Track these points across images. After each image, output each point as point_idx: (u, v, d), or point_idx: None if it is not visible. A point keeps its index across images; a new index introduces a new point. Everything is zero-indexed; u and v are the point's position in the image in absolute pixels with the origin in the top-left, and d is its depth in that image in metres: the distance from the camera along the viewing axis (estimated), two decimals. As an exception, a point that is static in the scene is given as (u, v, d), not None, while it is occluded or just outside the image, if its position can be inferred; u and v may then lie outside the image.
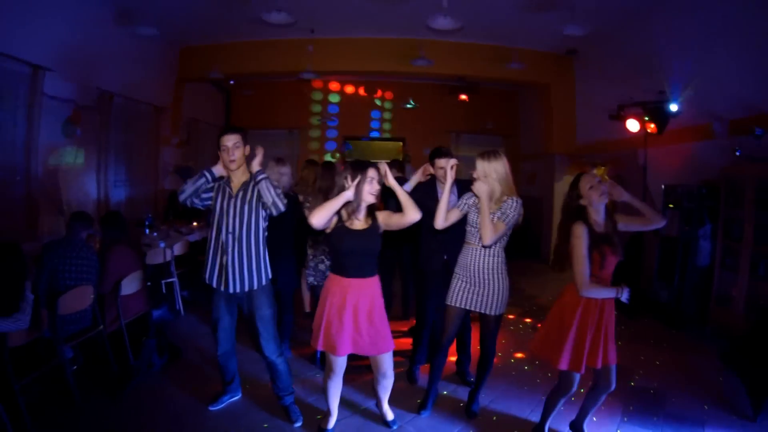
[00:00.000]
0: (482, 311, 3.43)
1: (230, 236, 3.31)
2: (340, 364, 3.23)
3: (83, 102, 6.70)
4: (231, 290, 3.35)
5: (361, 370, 4.20)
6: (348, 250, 3.10)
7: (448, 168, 3.39)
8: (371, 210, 3.18)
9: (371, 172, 3.07)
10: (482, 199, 3.20)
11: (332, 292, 3.12)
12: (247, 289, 3.38)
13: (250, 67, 9.46)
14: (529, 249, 10.62)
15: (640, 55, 7.23)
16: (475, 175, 3.32)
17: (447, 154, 3.98)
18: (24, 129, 5.73)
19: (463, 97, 10.83)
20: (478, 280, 3.40)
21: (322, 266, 4.62)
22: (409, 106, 12.07)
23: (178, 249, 6.18)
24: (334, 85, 12.22)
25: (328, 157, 12.33)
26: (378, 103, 12.50)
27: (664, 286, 6.37)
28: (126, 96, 7.81)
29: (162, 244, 5.94)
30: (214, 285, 3.39)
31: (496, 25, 8.06)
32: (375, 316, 3.13)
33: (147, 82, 8.54)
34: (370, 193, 3.07)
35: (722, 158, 5.73)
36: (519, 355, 5.01)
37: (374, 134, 12.73)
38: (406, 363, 4.46)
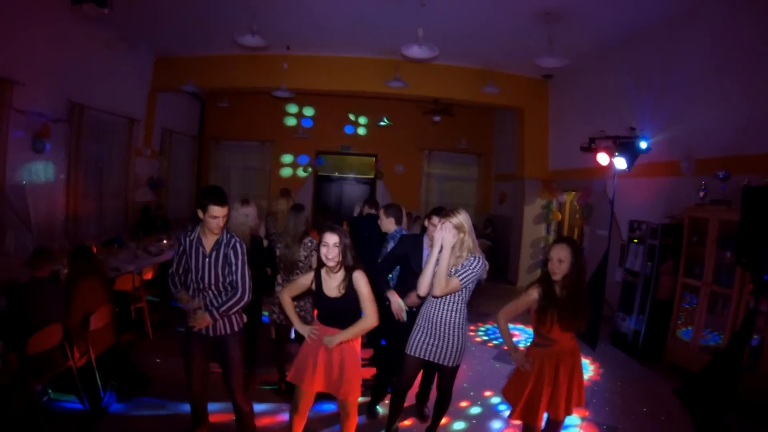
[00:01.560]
0: (440, 362, 3.42)
1: (206, 291, 3.35)
2: (306, 399, 3.27)
3: (54, 115, 6.56)
4: (204, 333, 3.37)
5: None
6: (325, 312, 3.23)
7: (439, 227, 3.26)
8: (350, 271, 3.14)
9: (327, 236, 3.08)
10: (446, 248, 3.15)
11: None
12: (220, 334, 3.40)
13: (224, 81, 9.39)
14: (496, 270, 10.69)
15: (614, 89, 7.41)
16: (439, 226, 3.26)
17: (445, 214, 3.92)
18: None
19: (437, 119, 10.87)
20: (437, 332, 3.37)
21: None
22: (382, 123, 12.08)
23: (146, 273, 6.08)
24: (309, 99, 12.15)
25: (300, 172, 12.25)
26: (352, 118, 12.44)
27: (625, 318, 6.47)
28: (98, 108, 7.65)
29: (131, 268, 5.82)
30: (195, 330, 3.38)
31: (472, 48, 8.15)
32: (347, 364, 3.17)
33: (120, 94, 8.39)
34: (326, 256, 3.08)
35: (688, 196, 5.86)
36: (488, 393, 4.98)
37: (347, 149, 12.68)
38: (368, 392, 4.44)
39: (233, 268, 3.32)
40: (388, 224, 4.57)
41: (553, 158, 9.74)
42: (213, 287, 3.32)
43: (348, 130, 12.60)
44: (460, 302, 3.37)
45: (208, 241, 3.32)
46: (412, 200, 12.55)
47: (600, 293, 6.63)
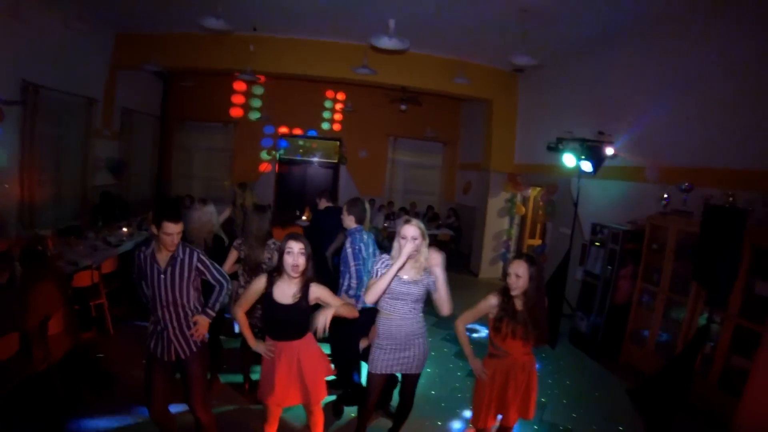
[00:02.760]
0: (407, 372, 3.44)
1: (165, 310, 3.23)
2: (274, 414, 3.35)
3: (6, 96, 6.15)
4: (168, 359, 3.28)
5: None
6: (273, 321, 3.19)
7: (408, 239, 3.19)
8: (308, 281, 3.13)
9: (291, 244, 3.06)
10: (399, 260, 3.10)
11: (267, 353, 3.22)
12: (183, 356, 3.31)
13: (188, 61, 8.96)
14: (459, 261, 10.77)
15: (584, 90, 7.43)
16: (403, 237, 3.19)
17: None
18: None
19: (403, 108, 10.72)
20: (403, 345, 3.36)
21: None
22: (347, 109, 11.87)
23: (106, 266, 5.81)
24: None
25: (263, 155, 11.94)
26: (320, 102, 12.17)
27: (584, 317, 6.62)
28: (54, 88, 7.21)
29: (90, 262, 5.57)
30: (157, 354, 3.28)
31: (444, 39, 8.01)
32: (306, 370, 3.19)
33: (78, 72, 7.89)
34: (291, 264, 3.05)
35: (650, 203, 5.96)
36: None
37: (312, 132, 12.44)
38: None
39: (208, 275, 3.34)
40: (348, 221, 4.50)
41: (519, 152, 9.78)
42: (171, 307, 3.21)
43: (313, 113, 12.33)
44: (420, 311, 3.42)
45: (163, 257, 3.21)
46: (376, 186, 12.51)
47: (561, 291, 6.78)
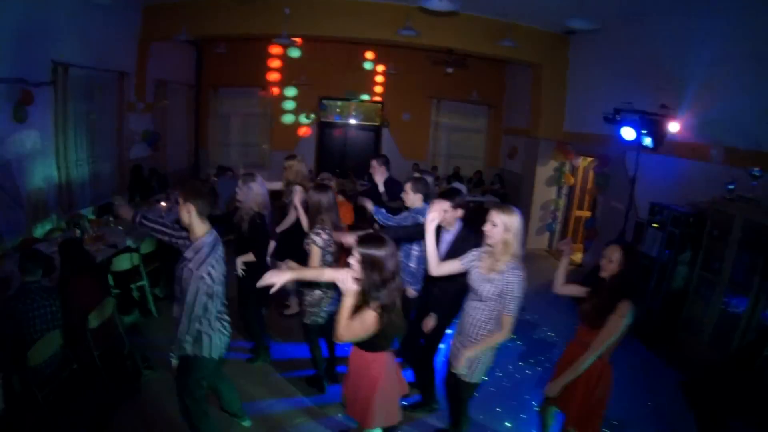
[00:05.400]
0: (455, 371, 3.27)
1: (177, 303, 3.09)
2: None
3: (35, 79, 6.05)
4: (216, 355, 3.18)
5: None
6: None
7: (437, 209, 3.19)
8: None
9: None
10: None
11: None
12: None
13: (220, 28, 8.66)
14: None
15: (646, 58, 6.78)
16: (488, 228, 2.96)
17: (449, 196, 3.62)
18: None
19: (449, 71, 10.22)
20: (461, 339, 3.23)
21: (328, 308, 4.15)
22: (389, 71, 11.44)
23: (146, 245, 5.73)
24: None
25: (303, 118, 11.71)
26: (368, 67, 11.73)
27: (637, 302, 6.28)
28: (84, 65, 7.10)
29: (127, 242, 5.57)
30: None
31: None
32: (360, 390, 2.88)
33: (107, 47, 7.74)
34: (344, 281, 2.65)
35: (715, 186, 5.48)
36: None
37: (352, 95, 12.09)
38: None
39: None
40: (414, 199, 4.25)
41: (569, 119, 9.21)
42: None
43: (353, 75, 11.91)
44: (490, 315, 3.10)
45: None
46: (419, 150, 12.20)
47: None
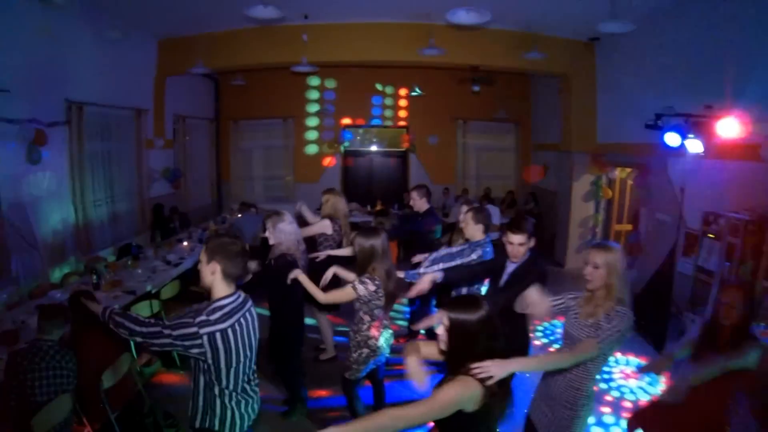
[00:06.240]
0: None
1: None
2: None
3: (49, 119, 5.94)
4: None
5: None
6: None
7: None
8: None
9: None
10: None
11: None
12: None
13: (237, 59, 8.58)
14: (543, 250, 9.97)
15: (683, 57, 6.38)
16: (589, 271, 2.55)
17: (519, 229, 3.24)
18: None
19: (476, 88, 9.98)
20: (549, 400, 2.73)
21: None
22: (414, 93, 11.24)
23: (166, 290, 5.46)
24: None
25: (326, 149, 11.58)
26: (379, 88, 11.60)
27: (695, 319, 5.79)
28: (99, 103, 7.02)
29: (147, 287, 5.25)
30: None
31: (515, 10, 7.20)
32: None
33: (122, 84, 7.69)
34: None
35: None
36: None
37: (375, 122, 11.95)
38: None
39: None
40: (475, 231, 3.92)
41: (601, 130, 8.80)
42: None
43: (375, 100, 11.80)
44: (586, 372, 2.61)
45: None
46: (447, 173, 11.91)
47: (667, 289, 6.02)
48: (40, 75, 5.82)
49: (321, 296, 3.43)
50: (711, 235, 5.62)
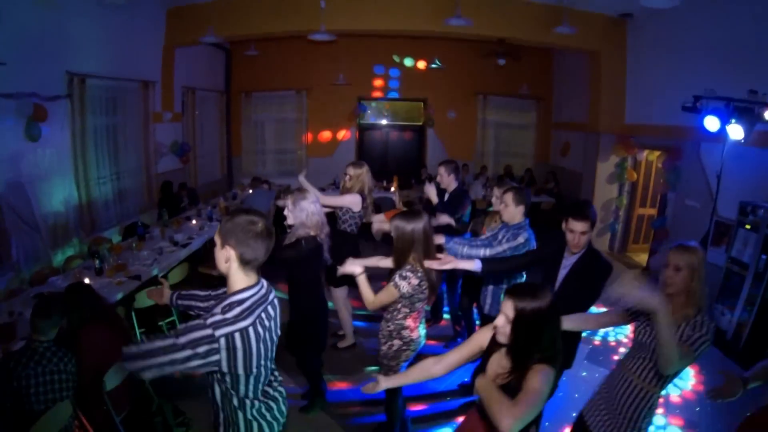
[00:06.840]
0: None
1: None
2: None
3: (49, 93, 5.60)
4: None
5: None
6: None
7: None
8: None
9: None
10: (659, 315, 2.01)
11: None
12: None
13: (250, 27, 8.12)
14: (563, 233, 9.74)
15: (725, 38, 6.03)
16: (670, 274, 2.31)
17: (582, 216, 2.96)
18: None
19: (501, 62, 9.62)
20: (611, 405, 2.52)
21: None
22: (434, 66, 10.87)
23: (174, 274, 5.20)
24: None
25: (341, 122, 11.32)
26: (396, 60, 11.21)
27: (726, 312, 5.61)
28: (103, 76, 6.67)
29: (154, 271, 4.98)
30: None
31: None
32: None
33: (129, 55, 7.31)
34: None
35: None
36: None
37: (392, 94, 11.61)
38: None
39: None
40: (515, 213, 3.62)
41: (630, 111, 8.48)
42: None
43: (393, 72, 11.43)
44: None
45: None
46: (466, 149, 11.59)
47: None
48: (39, 45, 5.48)
49: (371, 299, 2.99)
50: (747, 226, 5.40)
